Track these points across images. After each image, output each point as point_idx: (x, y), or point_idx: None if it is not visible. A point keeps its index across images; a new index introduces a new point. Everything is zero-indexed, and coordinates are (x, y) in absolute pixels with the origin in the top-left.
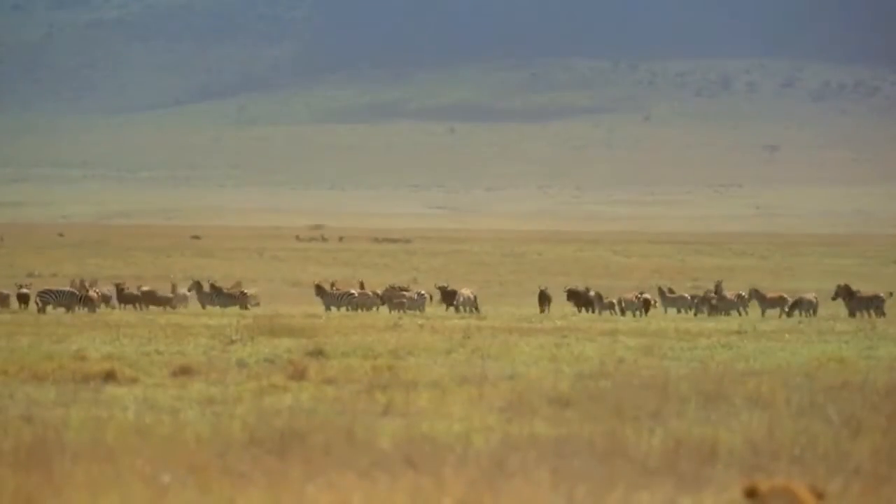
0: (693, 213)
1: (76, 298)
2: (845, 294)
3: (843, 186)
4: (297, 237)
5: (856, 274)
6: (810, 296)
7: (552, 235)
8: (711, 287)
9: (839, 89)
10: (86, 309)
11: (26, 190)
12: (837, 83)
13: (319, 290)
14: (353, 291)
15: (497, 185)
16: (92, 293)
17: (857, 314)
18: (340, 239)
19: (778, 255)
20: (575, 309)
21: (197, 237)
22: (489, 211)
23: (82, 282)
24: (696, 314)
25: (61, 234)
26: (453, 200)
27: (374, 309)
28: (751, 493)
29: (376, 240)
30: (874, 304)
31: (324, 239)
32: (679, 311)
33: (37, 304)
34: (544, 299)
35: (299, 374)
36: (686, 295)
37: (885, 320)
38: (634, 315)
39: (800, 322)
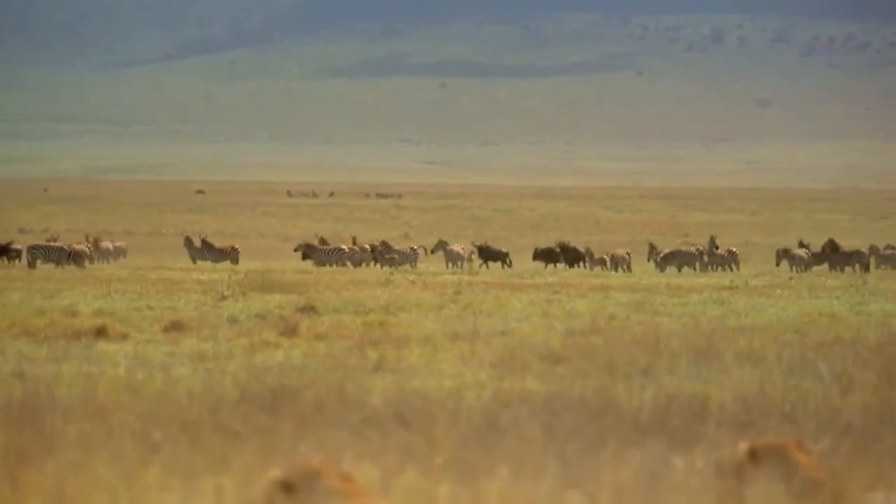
0: (684, 169)
1: (65, 254)
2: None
3: (834, 141)
4: (289, 192)
5: (847, 229)
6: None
7: (544, 191)
8: (703, 243)
9: (830, 44)
10: (74, 264)
11: (17, 146)
12: (828, 38)
13: (308, 248)
14: (343, 247)
15: (489, 140)
16: (82, 247)
17: (834, 269)
18: (331, 194)
19: (768, 210)
20: (565, 265)
21: (201, 192)
22: (481, 166)
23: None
24: (663, 270)
25: (46, 189)
26: (445, 156)
27: (366, 265)
28: (752, 453)
29: (367, 195)
30: (856, 259)
31: (315, 195)
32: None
33: (28, 258)
34: (486, 254)
35: (290, 331)
36: (679, 250)
37: (877, 275)
38: (624, 271)
39: (791, 278)
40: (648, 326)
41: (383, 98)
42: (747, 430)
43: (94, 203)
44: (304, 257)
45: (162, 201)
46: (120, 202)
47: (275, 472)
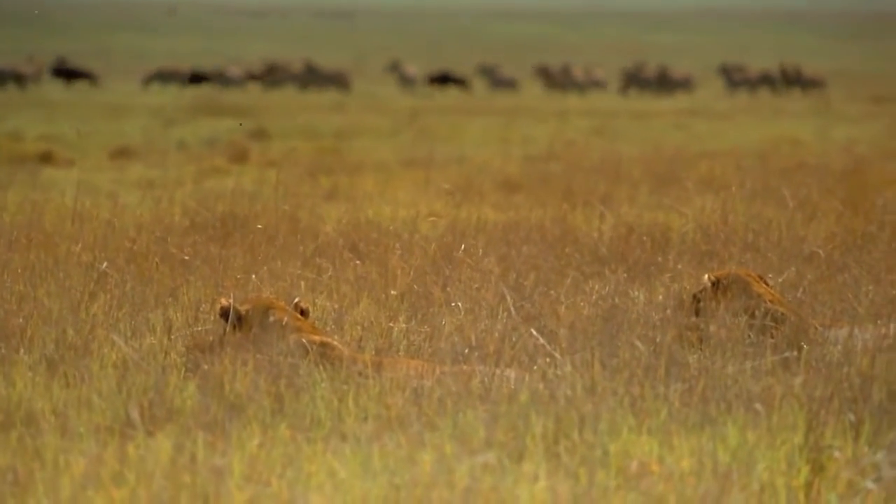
0: None
1: (6, 75)
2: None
3: None
4: (239, 12)
5: (812, 50)
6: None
7: (504, 10)
8: (666, 64)
9: None
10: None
11: None
12: None
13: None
14: None
15: None
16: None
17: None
18: (284, 16)
19: (734, 31)
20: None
21: (173, 11)
22: None
23: None
24: (624, 93)
25: None
26: None
27: None
28: (713, 285)
29: (320, 15)
30: (810, 84)
31: (264, 15)
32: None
33: None
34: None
35: (241, 157)
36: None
37: (841, 99)
38: (581, 93)
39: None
40: (608, 153)
41: None
42: (709, 261)
43: (41, 22)
44: None
45: (111, 22)
46: (69, 23)
47: (224, 305)
